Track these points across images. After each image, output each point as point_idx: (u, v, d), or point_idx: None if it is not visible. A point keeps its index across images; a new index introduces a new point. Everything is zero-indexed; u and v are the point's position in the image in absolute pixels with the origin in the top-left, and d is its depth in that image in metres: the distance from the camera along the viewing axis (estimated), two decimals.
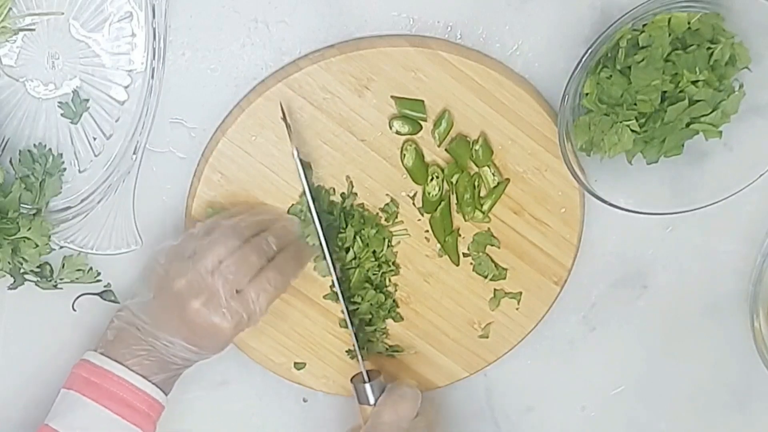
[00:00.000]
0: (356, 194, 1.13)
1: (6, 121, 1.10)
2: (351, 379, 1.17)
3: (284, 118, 1.09)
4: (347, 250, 1.14)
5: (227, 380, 1.21)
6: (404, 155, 1.12)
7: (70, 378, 1.11)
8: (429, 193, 1.13)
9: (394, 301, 1.17)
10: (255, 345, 1.17)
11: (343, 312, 1.15)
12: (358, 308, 1.16)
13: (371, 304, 1.16)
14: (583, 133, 1.09)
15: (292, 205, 1.13)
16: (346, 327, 1.15)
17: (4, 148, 1.11)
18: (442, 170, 1.12)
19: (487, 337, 1.18)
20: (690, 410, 1.24)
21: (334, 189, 1.13)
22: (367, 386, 1.14)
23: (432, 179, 1.13)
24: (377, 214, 1.14)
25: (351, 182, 1.12)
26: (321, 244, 1.12)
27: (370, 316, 1.16)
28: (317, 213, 1.11)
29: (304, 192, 1.11)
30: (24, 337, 1.18)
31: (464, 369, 1.19)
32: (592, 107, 1.08)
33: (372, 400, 1.15)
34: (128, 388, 1.08)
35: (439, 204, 1.13)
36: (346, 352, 1.18)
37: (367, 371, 1.15)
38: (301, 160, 1.10)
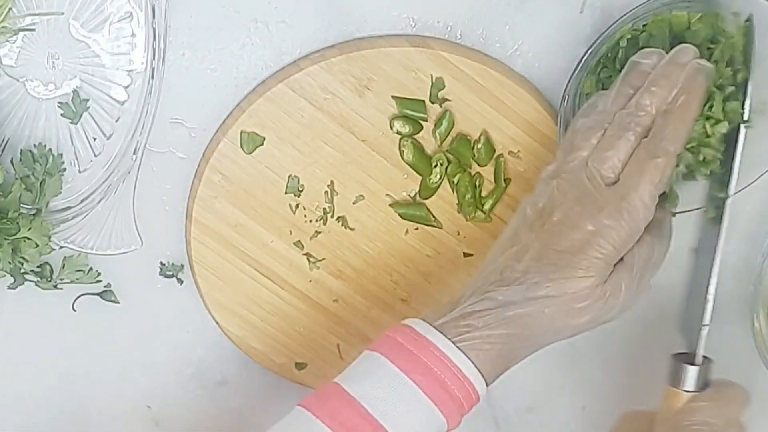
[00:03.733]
0: None
1: (6, 121, 1.10)
2: (673, 354, 1.06)
3: None
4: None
5: (227, 380, 1.21)
6: (403, 151, 1.12)
7: (379, 340, 0.93)
8: (430, 180, 1.12)
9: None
10: (255, 345, 1.17)
11: None
12: None
13: None
14: None
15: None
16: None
17: (4, 148, 1.11)
18: (448, 159, 1.12)
19: None
20: None
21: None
22: (693, 369, 1.03)
23: (436, 165, 1.12)
24: None
25: None
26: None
27: None
28: None
29: None
30: (24, 337, 1.18)
31: None
32: None
33: (691, 387, 1.04)
34: (450, 369, 0.90)
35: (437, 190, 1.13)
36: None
37: (703, 356, 1.03)
38: None
